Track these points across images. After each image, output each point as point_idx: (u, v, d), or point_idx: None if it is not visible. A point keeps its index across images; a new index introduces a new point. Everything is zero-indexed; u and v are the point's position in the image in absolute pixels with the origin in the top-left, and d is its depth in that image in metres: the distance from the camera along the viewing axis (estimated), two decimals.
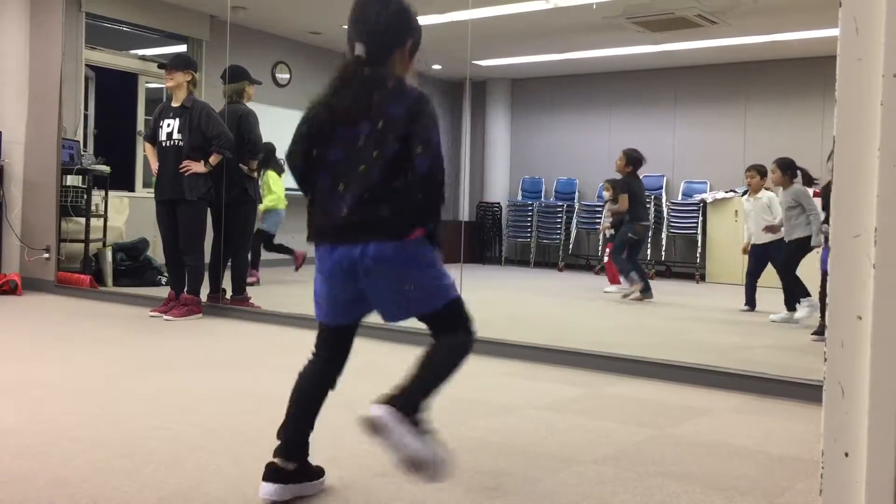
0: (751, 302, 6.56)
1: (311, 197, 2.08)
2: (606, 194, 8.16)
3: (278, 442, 2.09)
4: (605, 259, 7.95)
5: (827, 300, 1.56)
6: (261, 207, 7.50)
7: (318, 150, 2.05)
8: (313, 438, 2.13)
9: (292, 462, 2.07)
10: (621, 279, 7.63)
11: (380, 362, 3.79)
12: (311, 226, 2.07)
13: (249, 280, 7.51)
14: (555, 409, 3.16)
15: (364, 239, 1.95)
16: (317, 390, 2.12)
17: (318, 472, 2.16)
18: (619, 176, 7.67)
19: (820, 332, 5.18)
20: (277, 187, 7.61)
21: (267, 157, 7.54)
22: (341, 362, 2.14)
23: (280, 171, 7.61)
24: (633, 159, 7.31)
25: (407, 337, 4.13)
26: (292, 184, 2.25)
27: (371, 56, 2.03)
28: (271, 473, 2.05)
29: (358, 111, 2.00)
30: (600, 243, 8.43)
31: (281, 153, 7.65)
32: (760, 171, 6.49)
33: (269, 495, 2.03)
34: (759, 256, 6.49)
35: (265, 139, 5.95)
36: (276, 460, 2.06)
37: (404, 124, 1.97)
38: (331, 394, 2.16)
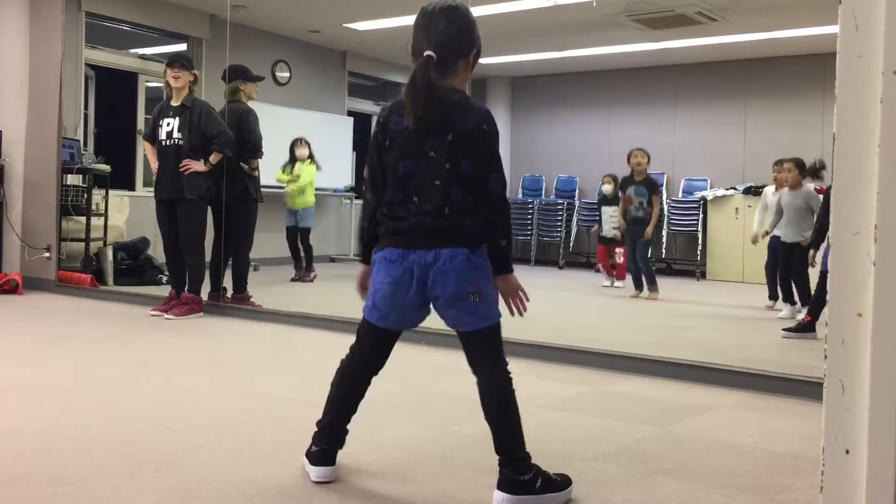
0: (774, 295, 6.38)
1: (376, 208, 2.17)
2: (609, 188, 8.11)
3: (316, 429, 2.25)
4: (621, 259, 7.96)
5: (828, 298, 1.56)
6: (304, 201, 7.70)
7: (388, 162, 2.14)
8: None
9: (329, 446, 2.24)
10: (628, 276, 7.64)
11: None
12: (381, 234, 2.15)
13: (308, 277, 7.70)
14: (555, 407, 3.16)
15: (439, 245, 2.05)
16: (354, 386, 2.25)
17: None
18: (619, 175, 7.68)
19: (796, 329, 5.13)
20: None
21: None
22: (381, 362, 2.26)
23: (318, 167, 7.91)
24: (648, 156, 7.31)
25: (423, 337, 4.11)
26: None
27: (440, 61, 2.10)
28: (320, 458, 2.21)
29: (427, 124, 2.07)
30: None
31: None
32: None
33: (323, 478, 2.20)
34: (777, 250, 6.17)
35: (267, 138, 5.94)
36: (322, 446, 2.23)
37: (474, 140, 2.07)
38: None
